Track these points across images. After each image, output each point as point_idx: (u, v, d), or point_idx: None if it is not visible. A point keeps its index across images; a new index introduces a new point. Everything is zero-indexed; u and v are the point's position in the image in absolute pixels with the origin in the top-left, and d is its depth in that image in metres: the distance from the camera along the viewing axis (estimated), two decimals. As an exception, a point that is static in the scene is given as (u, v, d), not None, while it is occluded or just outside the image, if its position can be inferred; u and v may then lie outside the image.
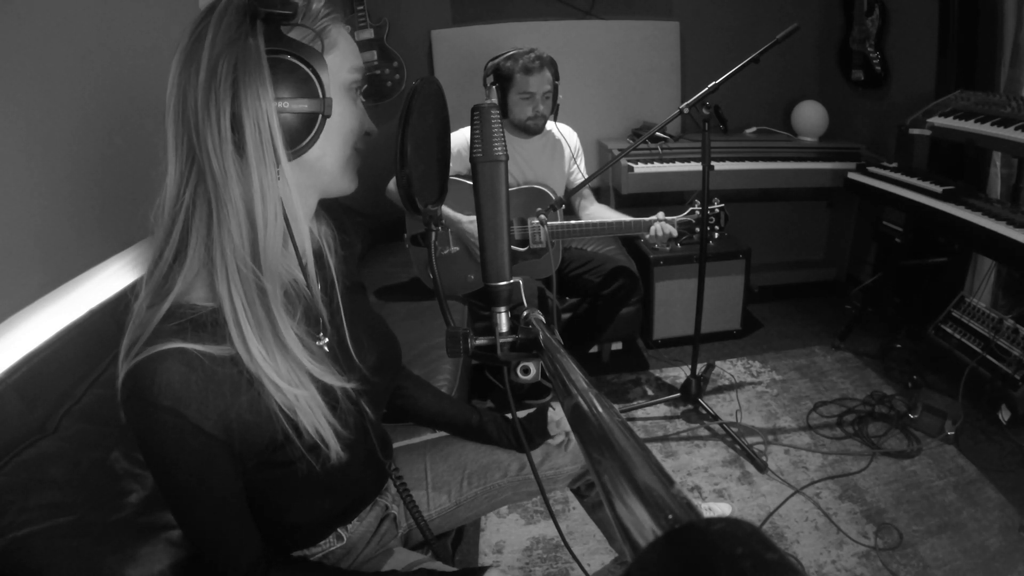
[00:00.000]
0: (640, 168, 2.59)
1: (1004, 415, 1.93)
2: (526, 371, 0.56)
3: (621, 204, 2.58)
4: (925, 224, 2.24)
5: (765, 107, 3.01)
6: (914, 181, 2.14)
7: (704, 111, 1.73)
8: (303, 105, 0.61)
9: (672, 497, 0.25)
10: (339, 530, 0.87)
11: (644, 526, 0.25)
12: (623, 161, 2.57)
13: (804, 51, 2.95)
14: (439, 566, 0.89)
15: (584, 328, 2.14)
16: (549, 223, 1.82)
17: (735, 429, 2.01)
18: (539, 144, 2.05)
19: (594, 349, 2.44)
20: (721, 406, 2.17)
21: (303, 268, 0.69)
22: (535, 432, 1.06)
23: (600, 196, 2.55)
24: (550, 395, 2.15)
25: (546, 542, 1.64)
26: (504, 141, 0.58)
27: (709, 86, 1.69)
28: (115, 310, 0.93)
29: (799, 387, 2.28)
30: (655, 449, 1.99)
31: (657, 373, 2.42)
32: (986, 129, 1.88)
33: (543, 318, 0.59)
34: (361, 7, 2.53)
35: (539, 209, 1.84)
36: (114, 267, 1.27)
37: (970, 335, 2.09)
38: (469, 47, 2.68)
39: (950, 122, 2.03)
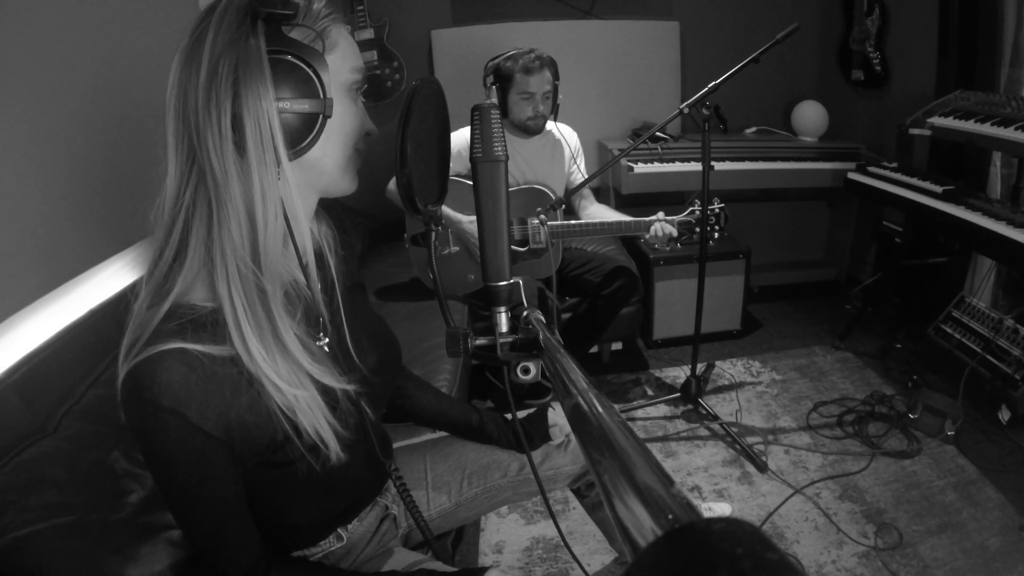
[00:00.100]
0: (640, 168, 2.59)
1: (1004, 415, 1.93)
2: (526, 371, 0.56)
3: (621, 204, 2.58)
4: (925, 224, 2.24)
5: (765, 107, 3.01)
6: (914, 181, 2.14)
7: (704, 111, 1.73)
8: (304, 105, 0.61)
9: (672, 497, 0.25)
10: (339, 530, 0.87)
11: (644, 526, 0.25)
12: (623, 161, 2.57)
13: (804, 51, 2.95)
14: (439, 566, 0.89)
15: (584, 328, 2.14)
16: (549, 223, 1.82)
17: (735, 429, 2.01)
18: (539, 144, 2.05)
19: (594, 349, 2.44)
20: (721, 406, 2.17)
21: (303, 268, 0.69)
22: (535, 432, 1.06)
23: (600, 196, 2.55)
24: (550, 395, 2.15)
25: (546, 542, 1.64)
26: (504, 141, 0.58)
27: (709, 86, 1.69)
28: (115, 310, 0.94)
29: (799, 387, 2.28)
30: (655, 449, 1.99)
31: (657, 373, 2.42)
32: (986, 129, 1.88)
33: (543, 318, 0.59)
34: (361, 7, 2.53)
35: (539, 209, 1.84)
36: (114, 267, 1.27)
37: (970, 335, 2.09)
38: (469, 47, 2.68)
39: (950, 122, 2.03)
